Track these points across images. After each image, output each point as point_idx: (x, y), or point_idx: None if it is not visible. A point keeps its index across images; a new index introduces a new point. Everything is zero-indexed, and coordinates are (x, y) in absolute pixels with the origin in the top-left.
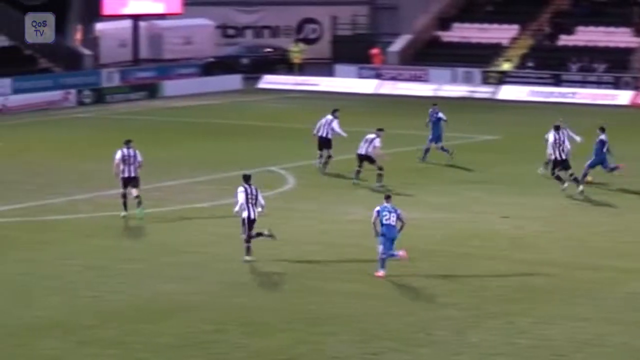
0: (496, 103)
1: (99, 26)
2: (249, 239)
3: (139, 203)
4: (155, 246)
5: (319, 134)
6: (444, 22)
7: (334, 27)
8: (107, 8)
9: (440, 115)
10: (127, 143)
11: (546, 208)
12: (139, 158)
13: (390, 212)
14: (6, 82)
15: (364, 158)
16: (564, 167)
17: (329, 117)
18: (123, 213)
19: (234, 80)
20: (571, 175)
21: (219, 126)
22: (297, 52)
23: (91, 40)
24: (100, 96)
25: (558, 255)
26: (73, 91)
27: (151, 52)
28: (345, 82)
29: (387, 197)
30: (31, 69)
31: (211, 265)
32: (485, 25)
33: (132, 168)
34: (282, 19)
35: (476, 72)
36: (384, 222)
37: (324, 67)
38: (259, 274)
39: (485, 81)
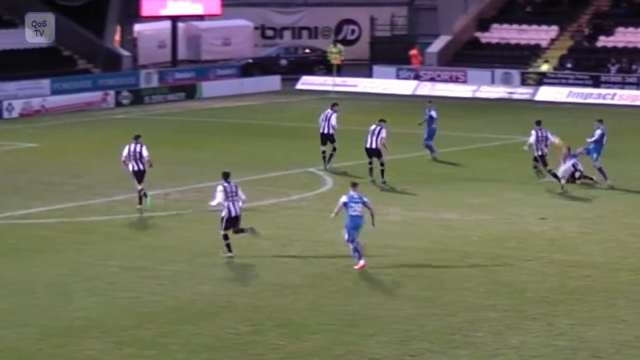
0: (535, 104)
1: (138, 27)
2: (226, 237)
3: (144, 195)
4: (193, 247)
5: (320, 130)
6: (483, 23)
7: (372, 28)
8: (146, 9)
9: (432, 113)
10: (136, 138)
11: (584, 209)
12: (145, 153)
13: (356, 202)
14: (45, 83)
15: (373, 153)
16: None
17: (329, 111)
18: (138, 206)
19: (272, 82)
20: (549, 171)
21: (257, 127)
22: (335, 53)
23: (130, 42)
24: (138, 97)
25: (597, 257)
26: (111, 92)
27: (189, 53)
28: (384, 83)
29: (354, 185)
30: (70, 70)
31: (249, 266)
32: (524, 26)
33: (139, 163)
34: (320, 20)
35: (515, 74)
36: (351, 213)
37: (362, 68)
38: (297, 275)
39: (524, 82)
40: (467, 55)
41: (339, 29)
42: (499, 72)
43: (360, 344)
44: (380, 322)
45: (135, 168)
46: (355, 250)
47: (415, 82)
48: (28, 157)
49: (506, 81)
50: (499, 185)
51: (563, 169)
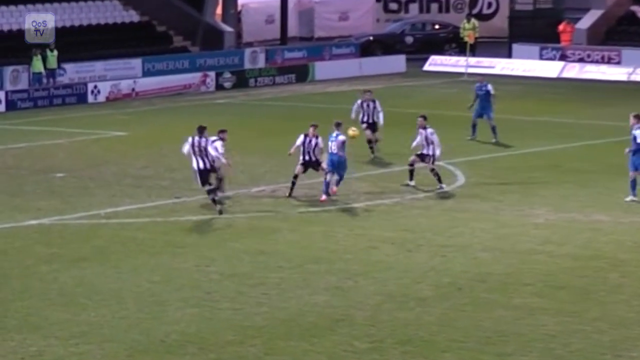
0: None
1: None
2: (209, 192)
3: (215, 200)
4: (304, 252)
5: (366, 119)
6: None
7: (512, 1)
8: None
9: (489, 88)
10: (201, 131)
11: None
12: (212, 152)
13: (332, 140)
14: (136, 63)
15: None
16: None
17: (359, 101)
18: (218, 207)
19: (396, 62)
20: None
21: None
22: (469, 29)
23: (233, 16)
24: (242, 79)
25: None
26: (212, 74)
27: (301, 29)
28: (525, 64)
29: (337, 125)
30: (164, 48)
31: (369, 274)
32: None
33: (205, 159)
34: None
35: None
36: (329, 150)
37: (500, 47)
38: (423, 284)
39: None
40: (621, 32)
41: (473, 1)
42: None
43: None
44: (519, 340)
45: (201, 166)
46: (326, 183)
47: (561, 64)
48: (116, 147)
49: None
50: None
51: None
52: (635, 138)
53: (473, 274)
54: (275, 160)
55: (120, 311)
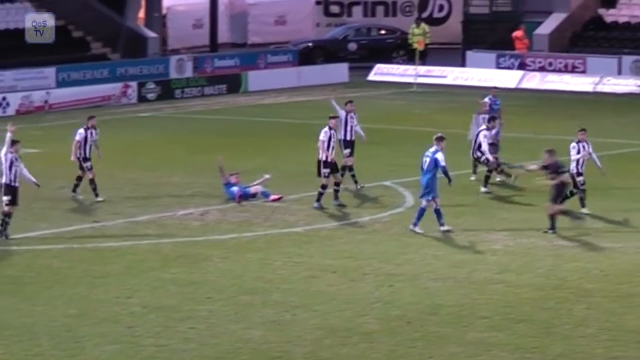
0: None
1: (168, 1)
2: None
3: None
4: (236, 281)
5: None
6: None
7: (466, 3)
8: None
9: (499, 103)
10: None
11: None
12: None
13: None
14: (50, 72)
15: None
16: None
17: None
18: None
19: (338, 71)
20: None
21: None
22: (419, 35)
23: (157, 20)
24: (168, 90)
25: None
26: (134, 84)
27: (233, 35)
28: (480, 74)
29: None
30: (81, 56)
31: (308, 306)
32: None
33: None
34: None
35: None
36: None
37: (453, 55)
38: (369, 317)
39: None
40: (587, 38)
41: (423, 4)
42: (627, 59)
43: None
44: None
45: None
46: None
47: (520, 73)
48: (28, 166)
49: (637, 71)
50: (630, 206)
51: None
52: None
53: (424, 305)
54: (205, 180)
55: (33, 348)
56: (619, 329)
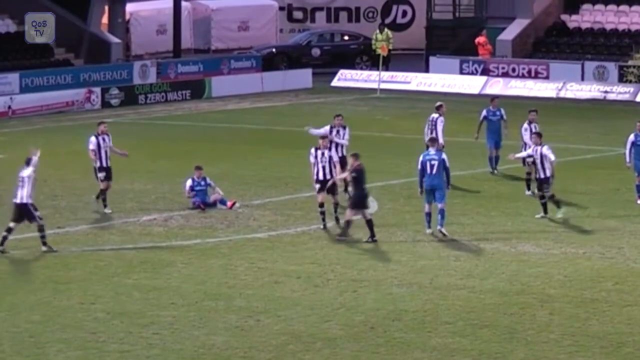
0: (636, 106)
1: (131, 7)
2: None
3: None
4: (200, 287)
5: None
6: (571, 3)
7: (429, 9)
8: None
9: (503, 113)
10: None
11: None
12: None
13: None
14: (13, 78)
15: None
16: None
17: (434, 115)
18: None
19: (302, 77)
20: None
21: (282, 135)
22: (382, 40)
23: (121, 26)
24: (131, 96)
25: None
26: (97, 89)
27: (197, 40)
28: (444, 79)
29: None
30: (44, 61)
31: (272, 312)
32: (624, 8)
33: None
34: None
35: (611, 67)
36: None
37: (416, 60)
38: (334, 323)
39: (623, 79)
40: (550, 43)
41: (386, 9)
42: (590, 65)
43: None
44: None
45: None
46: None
47: (484, 78)
48: None
49: (600, 77)
50: (592, 211)
51: None
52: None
53: (387, 311)
54: (168, 186)
55: None
56: (582, 335)
